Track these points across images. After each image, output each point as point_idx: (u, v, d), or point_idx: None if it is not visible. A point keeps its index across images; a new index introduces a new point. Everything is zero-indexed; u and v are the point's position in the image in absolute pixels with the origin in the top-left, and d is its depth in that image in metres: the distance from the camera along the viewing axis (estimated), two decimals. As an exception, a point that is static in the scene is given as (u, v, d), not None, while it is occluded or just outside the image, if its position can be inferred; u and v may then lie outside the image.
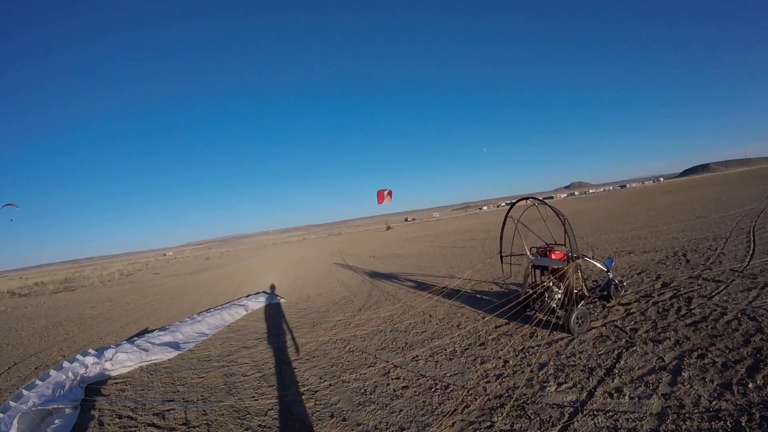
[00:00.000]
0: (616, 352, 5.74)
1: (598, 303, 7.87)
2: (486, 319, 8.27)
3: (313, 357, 7.57)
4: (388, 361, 6.86)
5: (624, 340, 6.06)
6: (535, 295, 7.39)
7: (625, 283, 8.03)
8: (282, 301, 13.35)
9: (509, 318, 7.83)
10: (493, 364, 6.03)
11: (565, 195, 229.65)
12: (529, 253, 7.56)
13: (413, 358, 6.87)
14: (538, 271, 7.74)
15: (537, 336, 6.84)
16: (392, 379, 6.11)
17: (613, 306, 7.65)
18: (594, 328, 6.75)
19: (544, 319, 7.11)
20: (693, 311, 6.75)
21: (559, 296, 6.96)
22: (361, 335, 8.58)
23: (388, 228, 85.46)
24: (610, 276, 7.72)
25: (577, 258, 6.96)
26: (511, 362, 6.00)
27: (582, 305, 6.80)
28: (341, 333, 8.89)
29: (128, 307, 17.41)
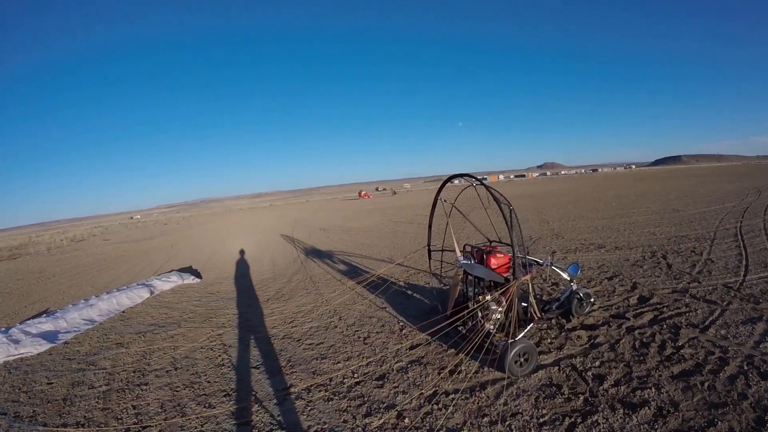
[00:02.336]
0: (568, 421, 3.68)
1: (554, 322, 5.93)
2: (404, 331, 6.34)
3: (175, 369, 5.85)
4: (253, 392, 4.92)
5: (582, 398, 4.07)
6: (466, 313, 5.21)
7: (592, 296, 6.01)
8: (195, 281, 11.73)
9: (434, 333, 5.80)
10: (382, 420, 4.04)
11: (537, 174, 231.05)
12: (459, 254, 5.31)
13: (283, 390, 4.91)
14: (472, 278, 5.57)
15: (461, 372, 4.80)
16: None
17: (575, 329, 5.69)
18: (543, 367, 4.71)
19: (475, 345, 4.92)
20: (682, 351, 4.82)
21: (499, 316, 4.81)
22: (237, 343, 6.67)
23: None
24: (574, 287, 5.75)
25: (526, 270, 4.82)
26: (408, 419, 4.01)
27: (529, 332, 4.90)
28: (227, 335, 7.06)
29: (52, 280, 15.37)
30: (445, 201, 5.91)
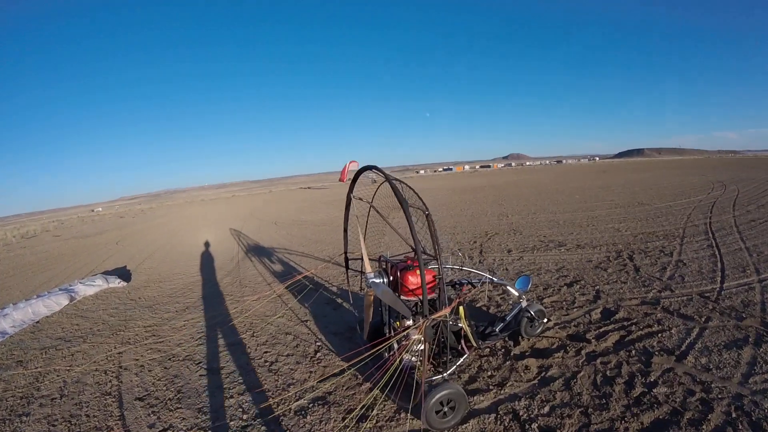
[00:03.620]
0: None
1: (500, 345, 4.82)
2: (318, 355, 5.23)
3: (61, 398, 4.94)
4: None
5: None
6: (380, 343, 3.95)
7: (545, 315, 4.86)
8: (121, 285, 10.53)
9: (353, 357, 4.61)
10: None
11: (502, 165, 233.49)
12: (369, 268, 4.00)
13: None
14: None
15: (372, 419, 3.62)
16: None
17: (523, 355, 4.58)
18: (476, 413, 3.57)
19: (392, 382, 3.69)
20: (655, 391, 3.75)
21: (422, 346, 3.60)
22: (134, 365, 5.63)
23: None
24: (523, 304, 4.56)
25: (455, 292, 3.64)
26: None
27: (464, 362, 3.80)
28: (128, 354, 6.04)
29: None
30: (361, 200, 4.64)
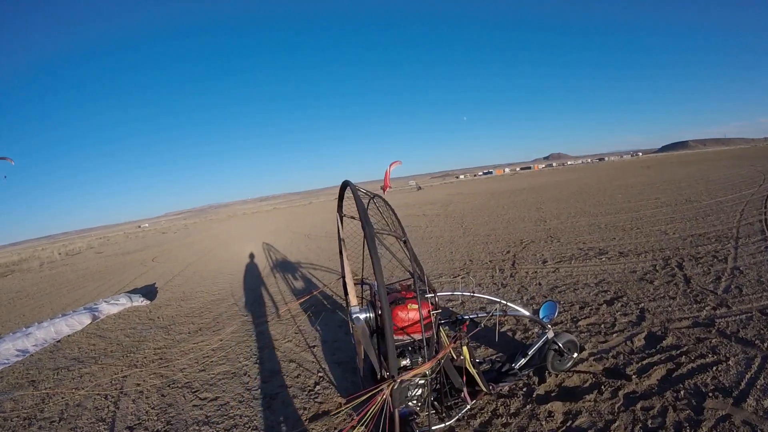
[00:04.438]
0: None
1: (520, 384, 4.14)
2: (317, 388, 4.79)
3: (60, 421, 4.96)
4: None
5: None
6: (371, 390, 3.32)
7: (577, 346, 4.12)
8: (144, 304, 10.60)
9: (352, 393, 4.04)
10: None
11: (543, 166, 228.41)
12: (354, 300, 3.35)
13: None
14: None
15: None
16: None
17: (549, 395, 3.94)
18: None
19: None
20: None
21: (420, 391, 2.96)
22: (134, 391, 5.53)
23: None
24: (550, 335, 3.85)
25: (456, 331, 3.00)
26: None
27: (462, 417, 3.21)
28: (132, 377, 5.96)
29: (21, 302, 14.49)
30: (353, 218, 4.02)
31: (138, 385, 5.56)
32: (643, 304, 5.69)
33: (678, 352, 4.33)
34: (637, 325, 5.08)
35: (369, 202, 3.37)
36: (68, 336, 8.49)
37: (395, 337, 3.02)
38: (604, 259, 8.33)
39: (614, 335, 4.89)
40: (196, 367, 5.91)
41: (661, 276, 6.80)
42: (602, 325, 5.21)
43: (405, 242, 2.83)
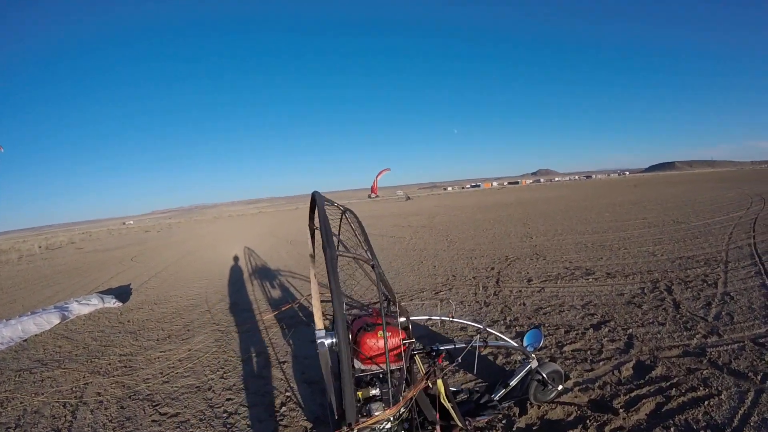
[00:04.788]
0: None
1: (500, 416, 3.83)
2: (283, 410, 4.42)
3: (15, 428, 4.75)
4: None
5: None
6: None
7: (562, 376, 3.83)
8: (116, 305, 10.34)
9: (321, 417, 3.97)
10: None
11: (531, 181, 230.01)
12: (319, 323, 3.01)
13: None
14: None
15: None
16: None
17: (530, 428, 3.68)
18: None
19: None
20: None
21: (389, 426, 2.64)
22: (94, 401, 5.27)
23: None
24: (533, 365, 3.54)
25: (431, 365, 2.73)
26: None
27: None
28: (93, 386, 5.67)
29: None
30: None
31: (99, 394, 5.30)
32: (631, 330, 5.45)
33: (668, 383, 4.08)
34: (625, 353, 4.83)
35: (341, 216, 3.07)
36: (36, 335, 8.29)
37: (364, 367, 2.72)
38: (590, 279, 8.10)
39: (601, 363, 4.63)
40: (161, 378, 5.61)
41: (649, 300, 6.59)
42: (588, 352, 4.95)
43: (373, 266, 2.53)
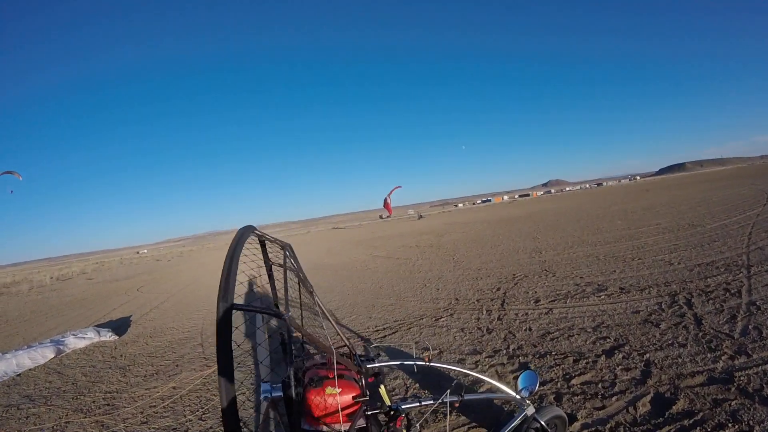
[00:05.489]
0: None
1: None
2: None
3: None
4: None
5: None
6: None
7: (566, 419, 3.33)
8: (112, 339, 10.28)
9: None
10: None
11: (542, 193, 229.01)
12: (261, 371, 2.54)
13: None
14: None
15: None
16: None
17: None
18: None
19: None
20: None
21: None
22: None
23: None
24: (529, 412, 3.03)
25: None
26: None
27: None
28: (72, 425, 5.55)
29: None
30: (282, 266, 3.13)
31: None
32: (648, 355, 4.88)
33: (691, 421, 3.53)
34: (641, 384, 4.26)
35: (284, 253, 2.61)
36: (30, 370, 8.30)
37: (310, 428, 2.26)
38: (603, 296, 7.53)
39: (614, 398, 4.07)
40: (140, 417, 5.39)
41: (668, 317, 6.01)
42: (600, 385, 4.38)
43: (312, 293, 2.12)
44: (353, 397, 2.27)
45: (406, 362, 2.92)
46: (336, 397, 2.19)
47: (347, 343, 2.50)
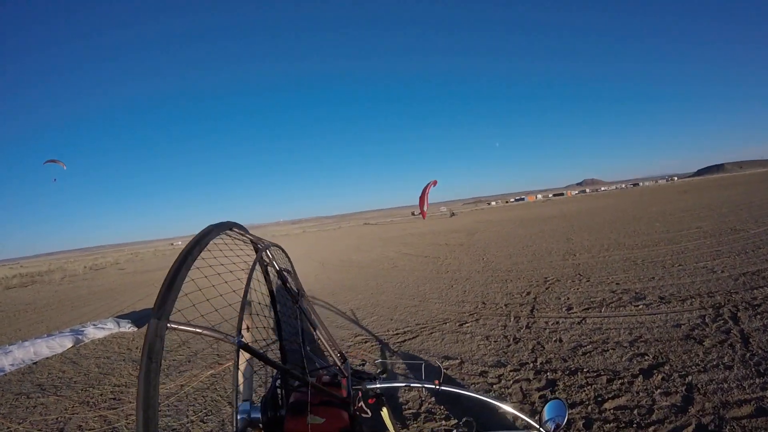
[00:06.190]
0: None
1: None
2: None
3: None
4: None
5: None
6: None
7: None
8: (131, 330, 10.21)
9: None
10: None
11: (576, 192, 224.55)
12: (241, 390, 2.13)
13: None
14: None
15: None
16: None
17: None
18: None
19: None
20: None
21: None
22: None
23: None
24: None
25: None
26: None
27: None
28: (77, 417, 5.49)
29: (26, 315, 14.78)
30: (266, 276, 2.64)
31: (80, 427, 5.10)
32: (690, 377, 4.42)
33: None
34: (682, 412, 3.82)
35: (262, 253, 2.20)
36: (47, 358, 8.29)
37: None
38: (641, 306, 7.03)
39: (650, 429, 3.62)
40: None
41: (712, 333, 5.51)
42: (635, 411, 3.95)
43: (300, 302, 2.13)
44: (340, 430, 1.91)
45: (413, 384, 2.54)
46: (320, 425, 1.84)
47: (338, 364, 2.14)
